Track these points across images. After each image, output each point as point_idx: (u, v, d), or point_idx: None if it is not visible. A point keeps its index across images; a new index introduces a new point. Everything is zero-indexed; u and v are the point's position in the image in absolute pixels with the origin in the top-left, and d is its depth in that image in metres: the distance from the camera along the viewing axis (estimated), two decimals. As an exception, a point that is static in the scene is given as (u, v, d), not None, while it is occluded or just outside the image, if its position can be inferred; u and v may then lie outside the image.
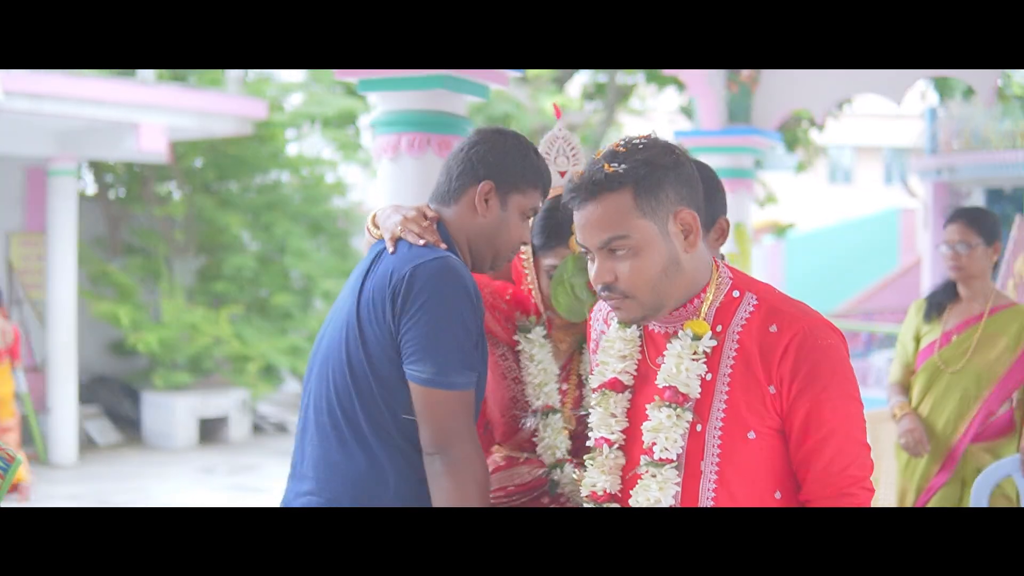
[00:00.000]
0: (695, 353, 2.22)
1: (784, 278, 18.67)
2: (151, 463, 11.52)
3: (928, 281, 11.82)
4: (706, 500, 2.21)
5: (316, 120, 14.49)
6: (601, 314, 2.51)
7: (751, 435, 2.19)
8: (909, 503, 4.62)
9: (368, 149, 15.29)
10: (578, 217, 2.24)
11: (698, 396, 2.22)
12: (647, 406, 2.25)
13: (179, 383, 12.55)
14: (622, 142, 2.25)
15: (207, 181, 13.54)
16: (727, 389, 2.21)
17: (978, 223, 4.47)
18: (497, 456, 3.00)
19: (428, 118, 3.66)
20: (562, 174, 3.03)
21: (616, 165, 2.19)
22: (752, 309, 2.24)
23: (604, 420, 2.33)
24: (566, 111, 15.35)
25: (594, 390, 2.37)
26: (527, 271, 2.97)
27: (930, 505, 4.56)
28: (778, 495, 2.24)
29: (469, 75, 3.69)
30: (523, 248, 2.96)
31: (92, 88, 10.04)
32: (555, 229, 2.88)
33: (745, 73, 6.32)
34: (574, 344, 3.00)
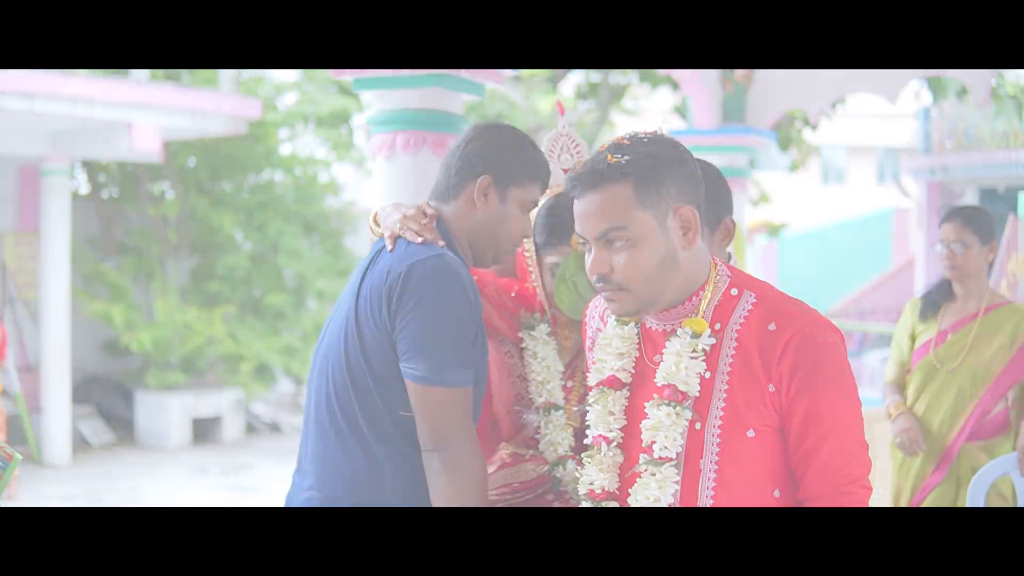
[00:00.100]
0: (694, 351, 2.22)
1: (777, 278, 18.67)
2: (144, 463, 11.50)
3: (922, 281, 11.82)
4: (705, 498, 2.21)
5: (309, 120, 14.47)
6: (597, 311, 2.51)
7: (750, 433, 2.19)
8: (904, 502, 4.63)
9: (361, 148, 15.29)
10: (578, 206, 2.24)
11: (697, 394, 2.22)
12: (646, 404, 2.25)
13: (172, 383, 12.53)
14: (627, 135, 2.25)
15: (200, 181, 13.52)
16: (726, 387, 2.21)
17: (975, 222, 4.47)
18: (503, 453, 3.00)
19: (423, 116, 3.65)
20: (566, 171, 3.04)
21: (619, 156, 2.20)
22: (751, 307, 2.24)
23: (602, 418, 2.33)
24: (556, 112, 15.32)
25: (592, 388, 2.37)
26: (531, 268, 2.97)
27: (925, 504, 4.57)
28: (777, 493, 2.24)
29: (465, 73, 3.69)
30: (526, 245, 2.97)
31: (85, 87, 10.01)
32: (557, 227, 2.88)
33: (739, 72, 6.32)
34: (579, 341, 3.00)
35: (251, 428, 13.54)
